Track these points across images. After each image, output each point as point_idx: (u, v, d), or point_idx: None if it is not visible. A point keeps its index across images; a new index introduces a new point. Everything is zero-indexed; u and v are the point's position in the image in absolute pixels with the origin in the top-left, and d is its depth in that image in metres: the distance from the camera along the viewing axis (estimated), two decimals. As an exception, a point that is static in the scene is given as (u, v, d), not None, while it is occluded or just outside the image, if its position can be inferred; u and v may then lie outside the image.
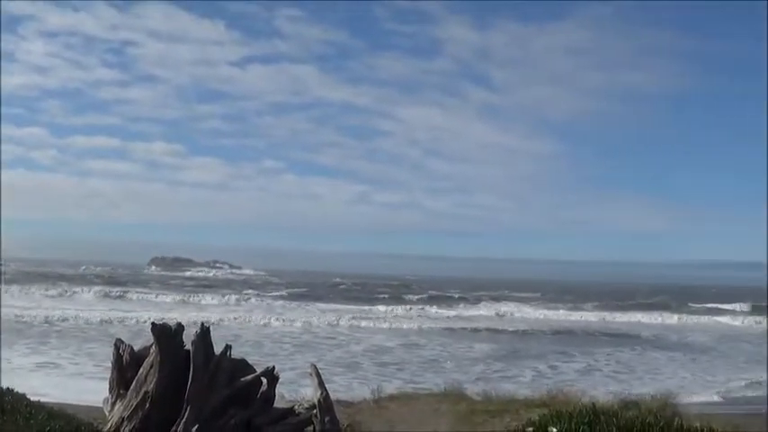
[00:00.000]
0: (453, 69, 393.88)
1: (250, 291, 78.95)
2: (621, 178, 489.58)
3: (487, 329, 49.29)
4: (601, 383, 26.52)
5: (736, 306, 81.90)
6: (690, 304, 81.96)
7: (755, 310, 78.67)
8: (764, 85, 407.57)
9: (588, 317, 64.58)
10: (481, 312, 65.37)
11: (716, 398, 24.80)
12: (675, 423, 7.49)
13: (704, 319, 68.28)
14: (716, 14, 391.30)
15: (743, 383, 27.68)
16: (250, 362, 8.83)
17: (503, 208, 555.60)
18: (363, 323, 49.33)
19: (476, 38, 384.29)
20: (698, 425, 7.97)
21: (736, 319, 69.12)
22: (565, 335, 47.69)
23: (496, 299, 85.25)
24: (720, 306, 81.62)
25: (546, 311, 68.70)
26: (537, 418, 8.41)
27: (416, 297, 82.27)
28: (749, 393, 25.74)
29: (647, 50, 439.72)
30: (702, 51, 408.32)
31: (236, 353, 8.47)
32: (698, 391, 25.50)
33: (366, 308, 64.35)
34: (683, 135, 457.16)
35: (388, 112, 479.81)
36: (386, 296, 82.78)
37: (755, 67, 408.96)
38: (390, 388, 18.85)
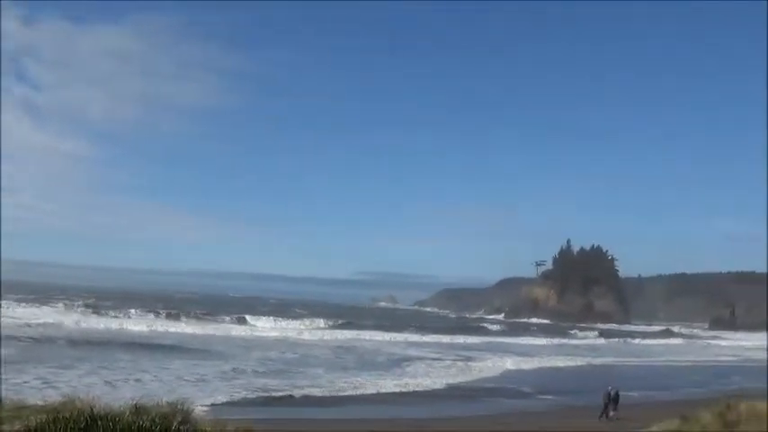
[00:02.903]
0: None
1: None
2: (162, 187, 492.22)
3: (7, 336, 47.34)
4: (117, 390, 27.31)
5: (267, 318, 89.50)
6: (223, 316, 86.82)
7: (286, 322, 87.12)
8: (333, 105, 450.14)
9: (125, 323, 66.55)
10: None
11: (229, 400, 27.33)
12: (174, 426, 8.48)
13: (238, 328, 74.55)
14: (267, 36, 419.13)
15: (262, 391, 30.79)
16: None
17: (39, 209, 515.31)
18: None
19: (23, 32, 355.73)
20: (209, 429, 9.05)
21: (262, 330, 75.64)
22: (88, 344, 47.69)
23: (20, 302, 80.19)
24: (248, 316, 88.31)
25: (73, 317, 67.15)
26: (35, 423, 8.63)
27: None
28: (252, 397, 28.99)
29: (193, 64, 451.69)
30: (247, 70, 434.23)
31: None
32: (217, 396, 27.86)
33: None
34: (222, 149, 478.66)
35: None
36: None
37: (303, 89, 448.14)
38: None
